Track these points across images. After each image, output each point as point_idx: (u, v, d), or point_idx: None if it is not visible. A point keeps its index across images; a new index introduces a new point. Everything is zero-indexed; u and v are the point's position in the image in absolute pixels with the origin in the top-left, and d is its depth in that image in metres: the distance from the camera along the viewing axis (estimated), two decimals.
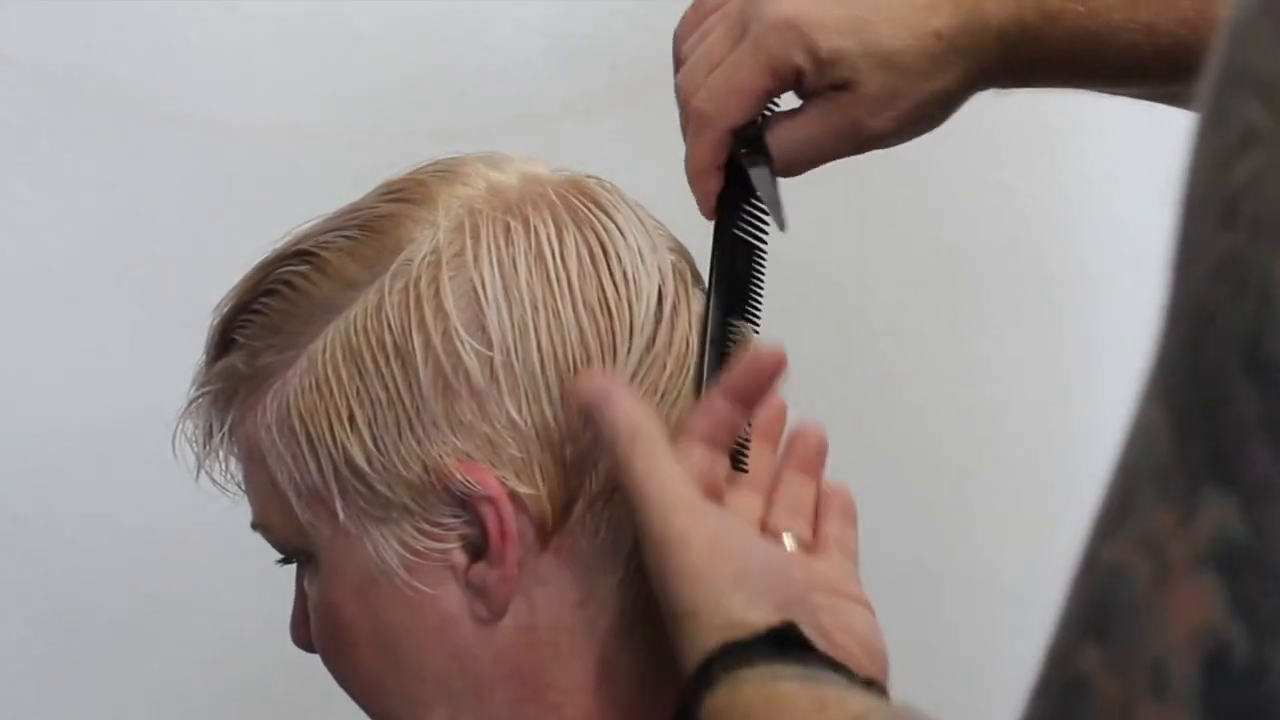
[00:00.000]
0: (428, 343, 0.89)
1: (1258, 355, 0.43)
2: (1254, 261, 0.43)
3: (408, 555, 0.91)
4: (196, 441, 0.96)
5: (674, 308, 0.93)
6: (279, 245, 0.95)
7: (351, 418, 0.90)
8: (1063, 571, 0.49)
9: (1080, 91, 1.04)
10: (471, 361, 0.89)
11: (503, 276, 0.90)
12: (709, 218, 0.98)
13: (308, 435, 0.91)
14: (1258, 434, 0.42)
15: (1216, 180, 0.44)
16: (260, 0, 1.49)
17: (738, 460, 0.92)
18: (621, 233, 0.93)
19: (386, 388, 0.90)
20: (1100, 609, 0.46)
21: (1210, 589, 0.43)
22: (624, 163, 1.04)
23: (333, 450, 0.90)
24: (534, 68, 1.52)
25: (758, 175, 0.96)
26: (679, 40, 1.00)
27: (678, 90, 0.98)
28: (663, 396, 0.91)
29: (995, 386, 1.61)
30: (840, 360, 1.58)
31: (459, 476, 0.89)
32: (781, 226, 0.96)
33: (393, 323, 0.90)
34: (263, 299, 0.93)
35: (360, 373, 0.90)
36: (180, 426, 0.96)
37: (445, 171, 0.94)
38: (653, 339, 0.91)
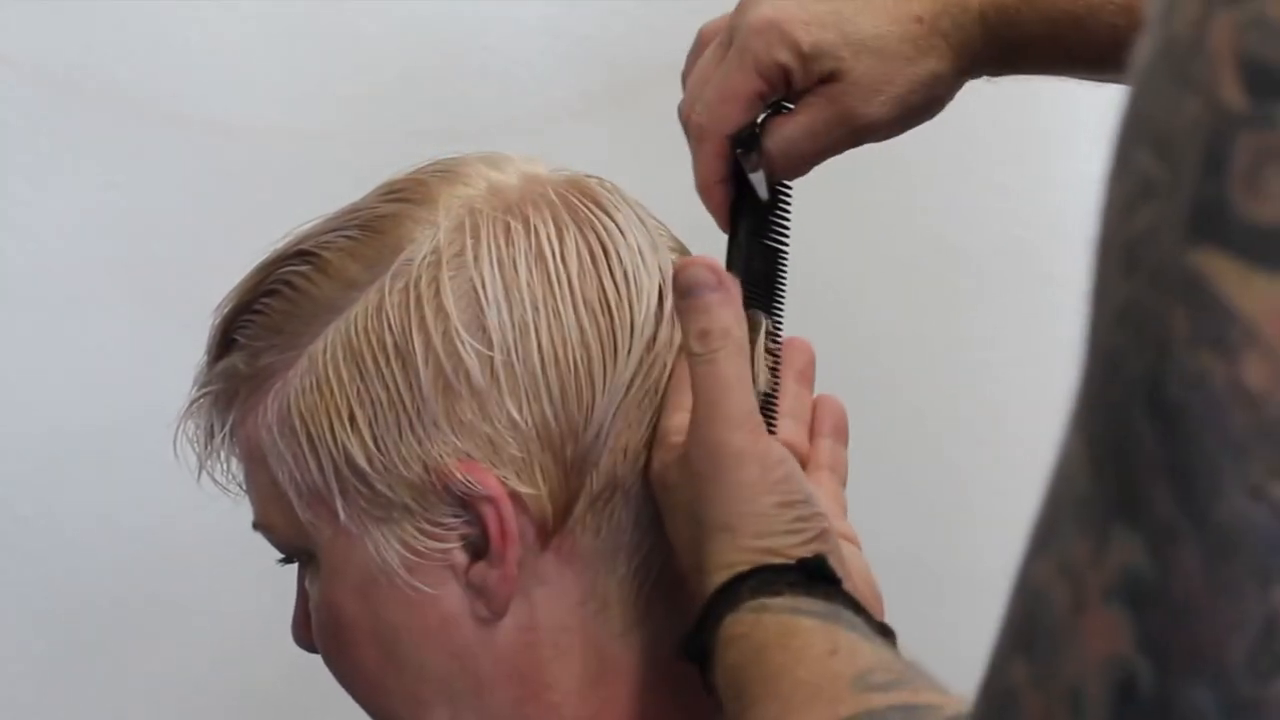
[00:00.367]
0: (428, 343, 0.89)
1: (1158, 400, 0.44)
2: (1151, 310, 0.44)
3: (408, 555, 0.90)
4: (198, 442, 0.96)
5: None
6: (279, 245, 0.95)
7: (352, 418, 0.90)
8: None
9: (1070, 80, 1.04)
10: (472, 361, 0.89)
11: (503, 276, 0.90)
12: (724, 230, 0.98)
13: (308, 435, 0.91)
14: (1160, 476, 0.43)
15: (1120, 226, 0.45)
16: (260, 0, 1.49)
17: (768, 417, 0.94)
18: (622, 232, 0.93)
19: (387, 388, 0.90)
20: (1028, 624, 0.47)
21: (1119, 622, 0.44)
22: (624, 163, 1.04)
23: (333, 450, 0.90)
24: (534, 68, 1.52)
25: (757, 180, 0.97)
26: (684, 76, 1.02)
27: (679, 113, 1.00)
28: (663, 397, 0.92)
29: (995, 386, 1.61)
30: (840, 360, 1.58)
31: (460, 476, 0.89)
32: (780, 229, 0.97)
33: (393, 323, 0.90)
34: (263, 299, 0.93)
35: (361, 373, 0.90)
36: (181, 427, 0.97)
37: (445, 171, 0.94)
38: (653, 339, 0.91)
